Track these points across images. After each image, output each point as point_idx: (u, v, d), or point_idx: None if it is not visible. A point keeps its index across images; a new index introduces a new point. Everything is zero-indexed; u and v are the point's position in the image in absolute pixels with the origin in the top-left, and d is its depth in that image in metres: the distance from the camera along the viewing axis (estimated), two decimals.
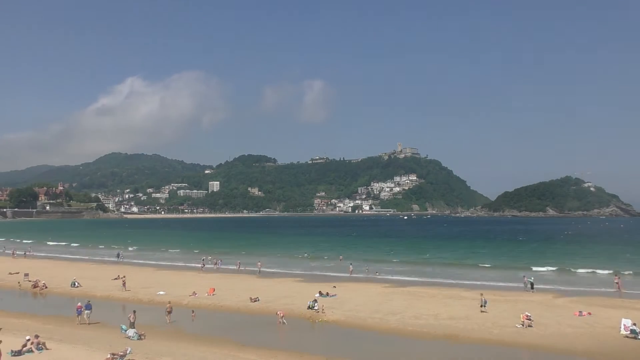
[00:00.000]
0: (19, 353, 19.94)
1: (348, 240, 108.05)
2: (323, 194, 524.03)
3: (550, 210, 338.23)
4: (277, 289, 40.01)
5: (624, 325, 24.64)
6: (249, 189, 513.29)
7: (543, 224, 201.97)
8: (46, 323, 28.24)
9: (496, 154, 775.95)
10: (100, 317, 30.33)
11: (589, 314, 28.68)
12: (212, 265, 56.72)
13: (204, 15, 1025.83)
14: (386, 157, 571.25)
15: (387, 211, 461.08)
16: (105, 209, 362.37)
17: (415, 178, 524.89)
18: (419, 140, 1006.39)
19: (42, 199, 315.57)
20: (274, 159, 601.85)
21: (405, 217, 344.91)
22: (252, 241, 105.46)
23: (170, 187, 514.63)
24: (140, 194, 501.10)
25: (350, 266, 50.80)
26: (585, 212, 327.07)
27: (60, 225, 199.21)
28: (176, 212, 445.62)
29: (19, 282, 44.52)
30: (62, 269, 54.33)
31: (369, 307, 31.96)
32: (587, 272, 49.64)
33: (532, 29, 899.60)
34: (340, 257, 63.66)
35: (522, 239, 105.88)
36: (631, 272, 48.38)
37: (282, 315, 28.92)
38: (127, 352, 19.64)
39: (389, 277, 48.15)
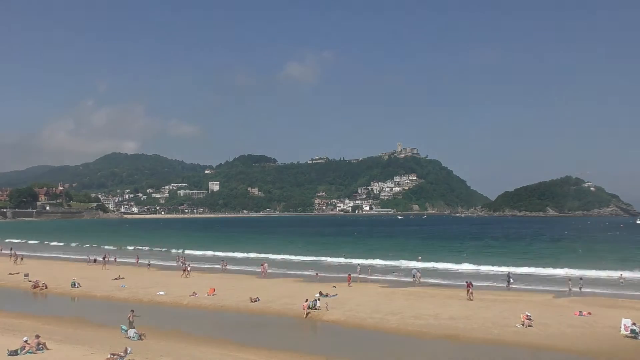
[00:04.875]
0: (15, 353, 19.95)
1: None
2: (323, 194, 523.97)
3: (550, 210, 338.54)
4: (277, 289, 39.99)
5: (624, 325, 24.64)
6: (249, 189, 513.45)
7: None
8: (46, 323, 28.25)
9: (496, 154, 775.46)
10: (100, 318, 30.42)
11: (589, 314, 28.68)
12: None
13: (199, 12, 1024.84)
14: (386, 157, 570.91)
15: (388, 211, 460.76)
16: (105, 209, 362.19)
17: (415, 178, 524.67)
18: (419, 140, 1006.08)
19: (42, 199, 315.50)
20: (274, 159, 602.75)
21: (400, 217, 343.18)
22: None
23: (170, 187, 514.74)
24: (140, 194, 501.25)
25: (358, 267, 50.87)
26: (585, 212, 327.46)
27: (64, 226, 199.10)
28: (176, 212, 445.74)
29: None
30: (62, 269, 54.35)
31: (369, 307, 31.95)
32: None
33: (531, 27, 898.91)
34: (419, 257, 62.55)
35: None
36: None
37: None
38: (127, 352, 19.65)
39: (388, 277, 48.25)
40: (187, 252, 73.84)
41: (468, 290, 34.67)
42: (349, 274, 43.86)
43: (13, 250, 72.11)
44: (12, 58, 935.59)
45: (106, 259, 59.28)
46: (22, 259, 61.80)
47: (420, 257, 62.17)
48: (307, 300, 31.99)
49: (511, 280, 42.08)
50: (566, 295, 36.23)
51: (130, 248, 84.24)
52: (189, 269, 48.63)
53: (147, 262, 59.18)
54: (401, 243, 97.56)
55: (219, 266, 55.81)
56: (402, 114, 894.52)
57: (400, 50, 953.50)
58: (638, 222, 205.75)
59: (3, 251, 77.86)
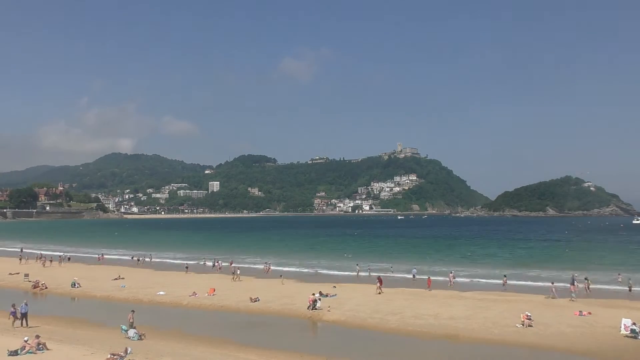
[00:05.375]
0: (15, 353, 19.95)
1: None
2: (323, 194, 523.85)
3: (550, 210, 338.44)
4: (277, 289, 39.98)
5: (624, 325, 24.62)
6: (249, 189, 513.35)
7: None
8: (46, 323, 28.23)
9: (496, 154, 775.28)
10: (100, 318, 30.42)
11: (589, 313, 28.67)
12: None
13: (198, 12, 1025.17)
14: (386, 157, 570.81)
15: (388, 211, 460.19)
16: (105, 209, 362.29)
17: (415, 178, 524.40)
18: (419, 140, 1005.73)
19: (42, 199, 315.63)
20: (274, 159, 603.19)
21: (401, 217, 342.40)
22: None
23: (170, 187, 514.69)
24: (140, 194, 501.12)
25: (358, 267, 50.86)
26: (585, 212, 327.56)
27: (65, 226, 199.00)
28: (176, 212, 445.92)
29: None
30: (62, 270, 54.35)
31: (369, 307, 31.94)
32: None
33: (528, 27, 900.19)
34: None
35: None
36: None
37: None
38: (128, 352, 19.64)
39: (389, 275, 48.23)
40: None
41: (379, 286, 37.21)
42: (429, 277, 41.69)
43: (40, 253, 69.03)
44: (11, 58, 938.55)
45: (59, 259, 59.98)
46: (51, 261, 60.20)
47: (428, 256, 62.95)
48: (314, 294, 32.66)
49: (589, 284, 39.13)
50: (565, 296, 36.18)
51: (167, 259, 68.30)
52: (238, 272, 46.61)
53: (185, 265, 56.21)
54: (402, 243, 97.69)
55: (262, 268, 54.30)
56: (402, 114, 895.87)
57: (400, 50, 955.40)
58: (634, 222, 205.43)
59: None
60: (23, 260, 62.25)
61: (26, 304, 27.29)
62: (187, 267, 54.37)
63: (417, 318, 28.69)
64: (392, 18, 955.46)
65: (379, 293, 36.39)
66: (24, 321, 26.68)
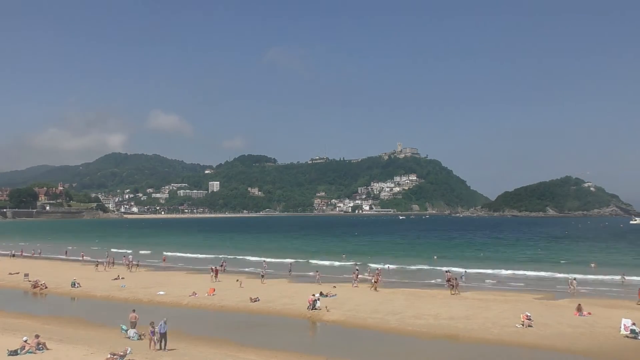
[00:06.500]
0: (15, 353, 19.96)
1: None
2: (323, 194, 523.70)
3: (550, 210, 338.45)
4: (277, 289, 39.98)
5: (624, 325, 24.61)
6: (249, 189, 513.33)
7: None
8: (46, 323, 28.26)
9: (496, 154, 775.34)
10: (100, 318, 30.42)
11: (589, 314, 28.67)
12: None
13: (200, 14, 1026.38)
14: (386, 157, 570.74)
15: (388, 211, 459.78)
16: (105, 209, 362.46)
17: (415, 178, 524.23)
18: (419, 140, 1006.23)
19: (42, 199, 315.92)
20: (274, 159, 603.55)
21: (402, 217, 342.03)
22: None
23: (170, 187, 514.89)
24: (140, 194, 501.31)
25: (356, 265, 50.77)
26: (585, 212, 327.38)
27: (66, 226, 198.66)
28: (176, 212, 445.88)
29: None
30: (62, 269, 54.34)
31: (369, 307, 31.93)
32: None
33: (531, 29, 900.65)
34: (435, 257, 63.54)
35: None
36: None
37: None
38: (127, 352, 19.65)
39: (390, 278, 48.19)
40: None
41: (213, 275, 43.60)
42: None
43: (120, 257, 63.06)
44: (11, 59, 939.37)
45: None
46: (137, 265, 55.24)
47: (435, 257, 62.67)
48: (313, 294, 32.78)
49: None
50: (568, 296, 36.22)
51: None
52: (358, 277, 43.35)
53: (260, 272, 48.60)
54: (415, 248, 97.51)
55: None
56: (402, 114, 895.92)
57: (401, 50, 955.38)
58: (631, 222, 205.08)
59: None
60: (100, 266, 54.92)
61: (165, 323, 22.39)
62: (262, 276, 46.85)
63: (417, 318, 28.67)
64: (393, 17, 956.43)
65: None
66: (163, 343, 22.26)
